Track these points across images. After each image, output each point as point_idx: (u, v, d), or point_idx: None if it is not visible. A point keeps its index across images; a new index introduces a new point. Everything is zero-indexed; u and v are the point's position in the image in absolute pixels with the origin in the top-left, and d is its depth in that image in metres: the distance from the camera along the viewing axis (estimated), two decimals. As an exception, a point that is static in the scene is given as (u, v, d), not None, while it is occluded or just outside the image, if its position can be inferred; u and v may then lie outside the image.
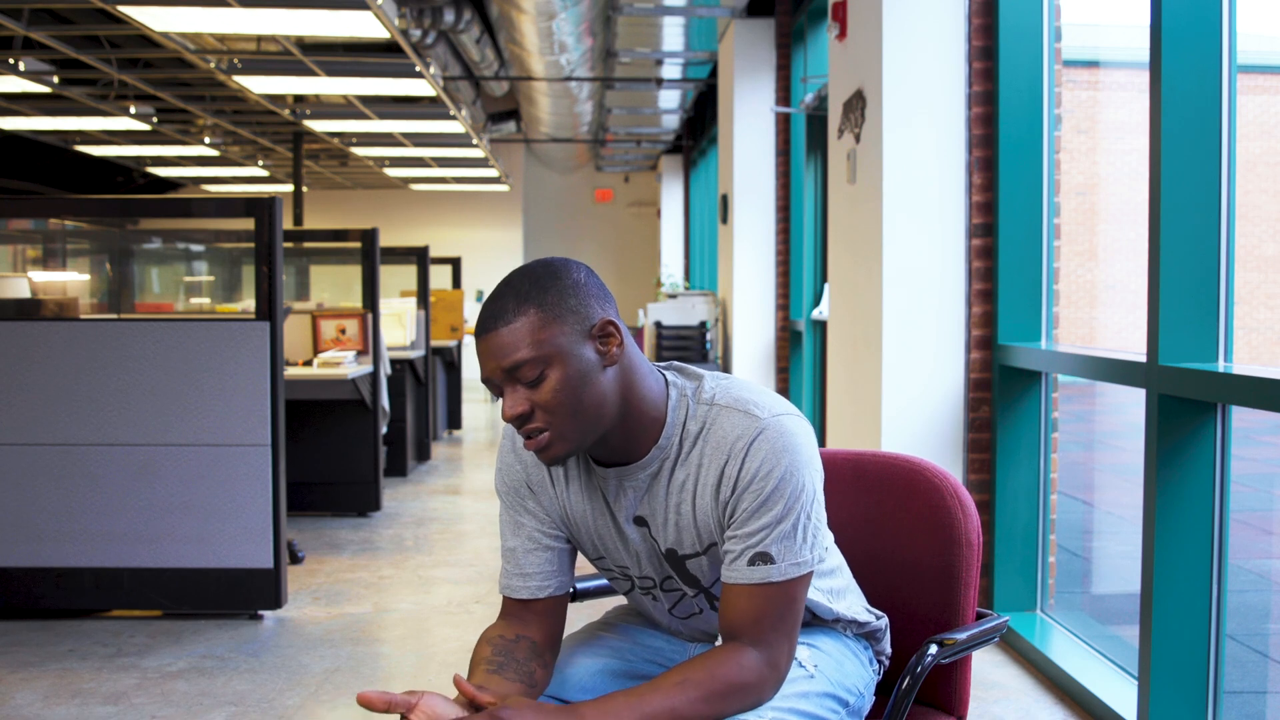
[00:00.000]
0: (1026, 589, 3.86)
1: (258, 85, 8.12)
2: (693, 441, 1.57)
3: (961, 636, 1.73)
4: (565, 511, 1.66)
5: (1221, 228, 2.77)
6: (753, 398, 1.56)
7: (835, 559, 1.75)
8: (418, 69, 7.26)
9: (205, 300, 11.65)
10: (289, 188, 14.44)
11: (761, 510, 1.51)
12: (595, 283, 1.54)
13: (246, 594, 4.04)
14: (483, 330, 1.51)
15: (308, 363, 5.77)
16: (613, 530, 1.63)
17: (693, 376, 1.62)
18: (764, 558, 1.51)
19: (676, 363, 1.65)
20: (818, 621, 1.71)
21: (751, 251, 8.29)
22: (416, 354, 7.15)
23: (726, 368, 8.68)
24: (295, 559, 4.92)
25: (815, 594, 1.67)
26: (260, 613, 4.11)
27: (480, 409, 11.44)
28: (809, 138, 6.86)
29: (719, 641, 1.69)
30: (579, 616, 2.06)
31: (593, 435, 1.52)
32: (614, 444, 1.56)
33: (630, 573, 1.68)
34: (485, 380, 1.53)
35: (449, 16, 7.44)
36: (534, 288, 1.50)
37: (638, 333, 11.39)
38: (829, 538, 1.69)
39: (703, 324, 9.20)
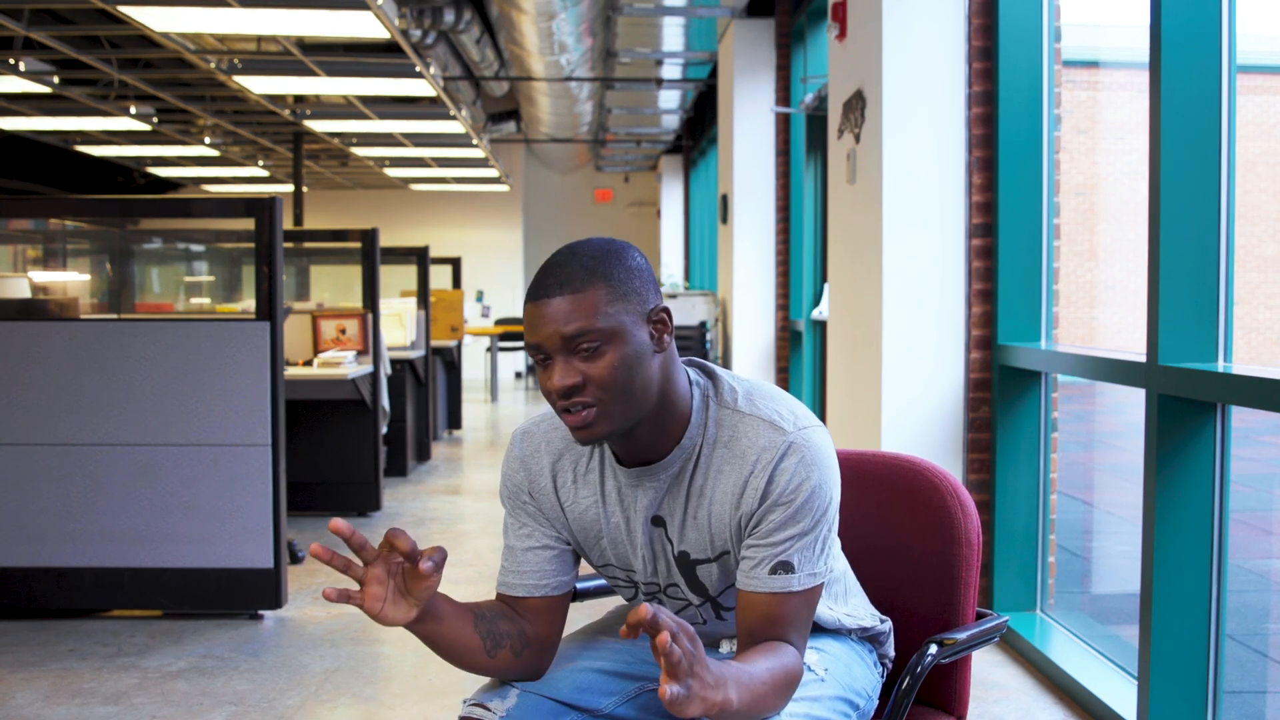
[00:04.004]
0: (1026, 589, 3.86)
1: (258, 85, 8.12)
2: (713, 446, 1.57)
3: (961, 636, 1.73)
4: (571, 522, 1.65)
5: (1221, 228, 2.77)
6: (776, 407, 1.56)
7: (840, 564, 1.75)
8: (418, 69, 7.26)
9: (205, 300, 11.64)
10: (289, 188, 14.44)
11: (789, 523, 1.51)
12: (650, 269, 1.55)
13: (246, 594, 4.04)
14: (544, 294, 1.48)
15: (308, 363, 5.77)
16: (624, 533, 1.62)
17: (711, 375, 1.62)
18: (785, 566, 1.51)
19: (694, 358, 1.64)
20: (820, 627, 1.71)
21: (751, 251, 8.29)
22: (416, 354, 7.15)
23: (726, 368, 8.67)
24: (295, 559, 4.91)
25: (820, 604, 1.67)
26: (260, 613, 4.11)
27: (480, 409, 11.45)
28: (809, 138, 6.86)
29: (732, 646, 1.69)
30: (579, 616, 2.06)
31: (632, 420, 1.51)
32: (642, 437, 1.55)
33: (636, 578, 1.67)
34: (533, 346, 1.49)
35: (449, 16, 7.44)
36: (601, 263, 1.49)
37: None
38: (836, 544, 1.69)
39: (703, 324, 9.20)
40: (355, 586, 1.44)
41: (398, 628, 1.50)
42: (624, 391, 1.48)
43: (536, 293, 1.50)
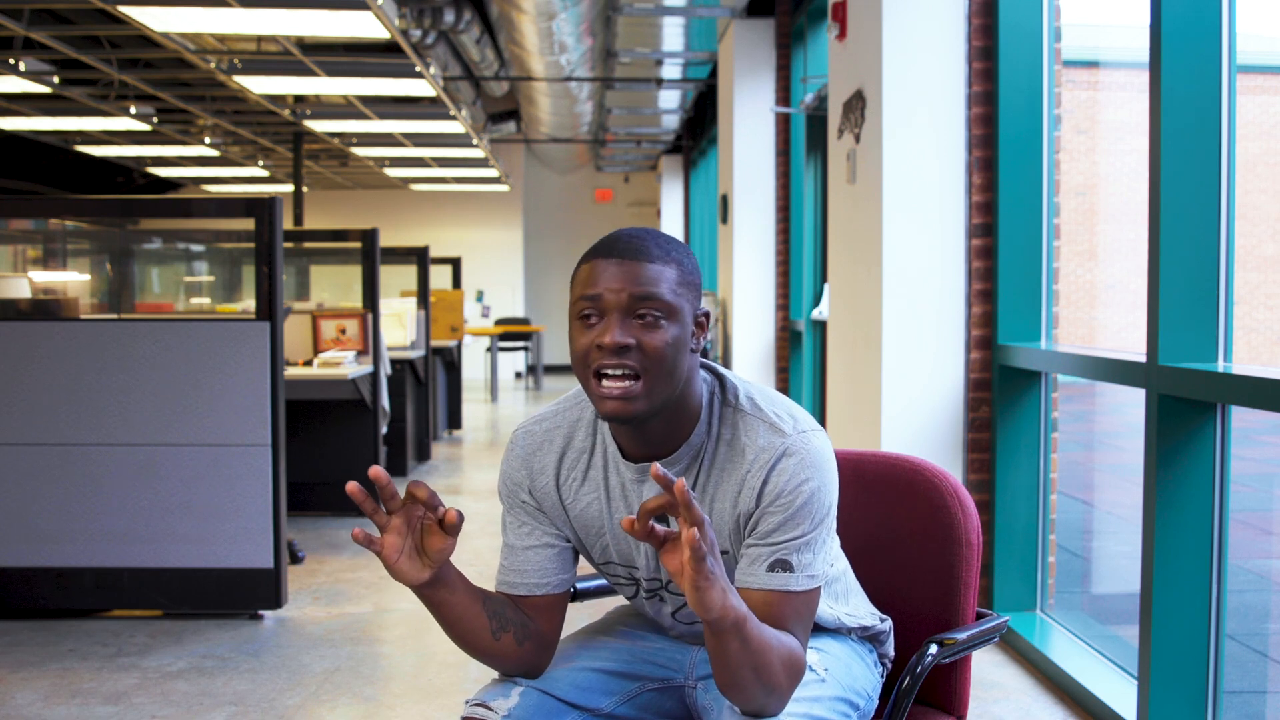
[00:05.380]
0: (1026, 589, 3.86)
1: (258, 85, 8.12)
2: (716, 444, 1.58)
3: (961, 636, 1.74)
4: (573, 519, 1.65)
5: (1221, 228, 2.77)
6: (777, 409, 1.57)
7: (840, 563, 1.75)
8: (418, 69, 7.26)
9: (205, 300, 11.64)
10: (289, 188, 14.44)
11: (786, 525, 1.51)
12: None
13: (246, 594, 4.04)
14: (621, 254, 1.50)
15: (308, 363, 5.77)
16: None
17: (717, 374, 1.63)
18: (783, 565, 1.51)
19: (700, 358, 1.64)
20: (821, 627, 1.71)
21: (751, 251, 8.29)
22: (416, 354, 7.15)
23: (726, 367, 8.67)
24: (295, 559, 4.92)
25: (820, 604, 1.67)
26: (260, 613, 4.11)
27: (480, 409, 11.45)
28: (809, 138, 6.86)
29: None
30: (579, 616, 2.06)
31: (662, 405, 1.51)
32: (656, 430, 1.56)
33: (638, 574, 1.67)
34: (591, 298, 1.49)
35: (449, 17, 7.44)
36: (676, 249, 1.54)
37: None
38: (836, 543, 1.69)
39: (703, 324, 9.19)
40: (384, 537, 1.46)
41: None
42: (668, 372, 1.49)
43: (610, 251, 1.51)
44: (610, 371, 1.48)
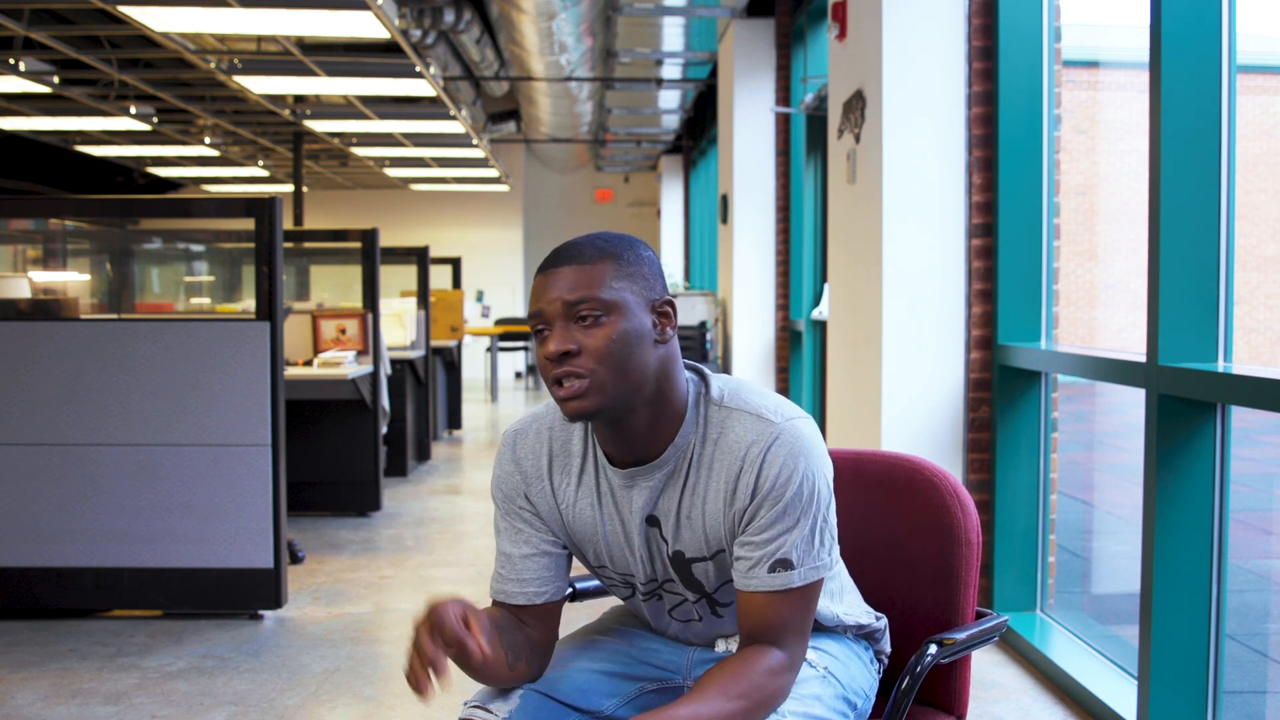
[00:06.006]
0: (1026, 589, 3.86)
1: (258, 85, 8.12)
2: (704, 444, 1.57)
3: (961, 636, 1.73)
4: (565, 522, 1.64)
5: (1221, 228, 2.77)
6: (762, 401, 1.56)
7: (837, 562, 1.75)
8: (418, 69, 7.26)
9: (205, 300, 11.65)
10: (289, 188, 14.44)
11: (781, 518, 1.51)
12: (659, 263, 1.59)
13: (246, 594, 4.04)
14: (554, 264, 1.52)
15: (308, 363, 5.77)
16: (620, 533, 1.62)
17: (701, 374, 1.62)
18: (784, 564, 1.51)
19: (688, 360, 1.64)
20: (820, 625, 1.71)
21: (751, 251, 8.29)
22: (416, 354, 7.15)
23: (726, 368, 8.68)
24: (295, 559, 4.92)
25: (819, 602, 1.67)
26: (260, 613, 4.11)
27: (480, 409, 11.44)
28: (809, 138, 6.86)
29: (729, 645, 1.69)
30: (577, 616, 2.06)
31: (623, 402, 1.51)
32: (637, 433, 1.55)
33: (633, 579, 1.67)
34: (535, 315, 1.52)
35: (449, 17, 7.44)
36: (613, 245, 1.54)
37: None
38: None
39: (703, 324, 9.20)
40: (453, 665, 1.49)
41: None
42: (619, 368, 1.49)
43: (546, 265, 1.53)
44: (562, 379, 1.49)
